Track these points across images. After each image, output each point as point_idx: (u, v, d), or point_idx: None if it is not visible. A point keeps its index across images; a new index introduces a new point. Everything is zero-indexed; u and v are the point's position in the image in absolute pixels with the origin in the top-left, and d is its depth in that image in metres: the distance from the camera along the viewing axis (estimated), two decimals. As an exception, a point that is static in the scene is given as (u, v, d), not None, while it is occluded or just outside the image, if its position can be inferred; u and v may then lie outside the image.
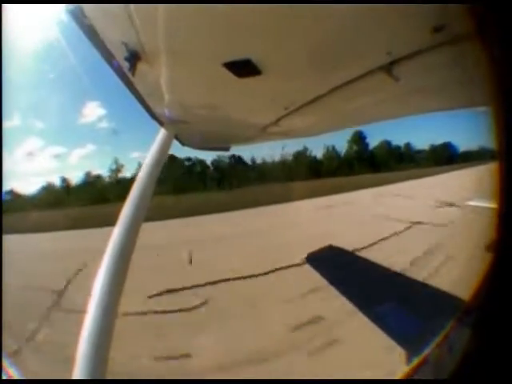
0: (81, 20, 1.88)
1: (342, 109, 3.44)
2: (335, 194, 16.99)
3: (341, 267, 7.51)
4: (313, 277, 7.00)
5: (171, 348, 5.15)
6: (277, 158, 21.88)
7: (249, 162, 22.75)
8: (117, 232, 2.55)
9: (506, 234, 1.39)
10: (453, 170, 16.45)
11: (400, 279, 6.27)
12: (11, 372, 2.64)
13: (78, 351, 1.94)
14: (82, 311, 2.16)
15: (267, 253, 8.84)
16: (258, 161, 22.52)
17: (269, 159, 22.09)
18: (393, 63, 2.28)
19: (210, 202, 18.93)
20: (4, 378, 2.52)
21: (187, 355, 4.95)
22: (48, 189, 20.64)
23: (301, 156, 22.35)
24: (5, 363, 2.70)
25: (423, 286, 5.58)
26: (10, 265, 6.04)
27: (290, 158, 22.22)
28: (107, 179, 21.98)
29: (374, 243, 8.95)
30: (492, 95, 1.38)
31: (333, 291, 6.15)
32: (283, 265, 7.91)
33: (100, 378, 1.88)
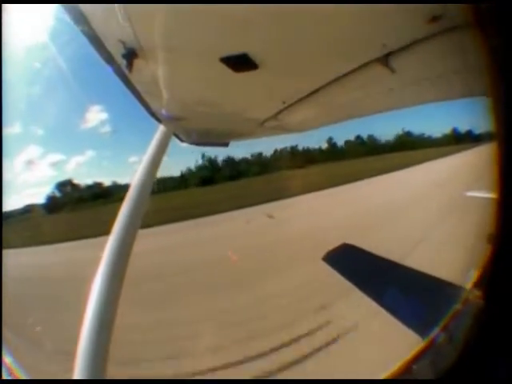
0: (78, 19, 1.88)
1: (340, 102, 3.43)
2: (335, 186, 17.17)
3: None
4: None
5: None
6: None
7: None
8: (116, 230, 2.54)
9: (505, 224, 1.39)
10: (450, 159, 16.46)
11: (400, 268, 6.28)
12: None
13: (78, 351, 1.95)
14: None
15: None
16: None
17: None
18: (389, 55, 2.28)
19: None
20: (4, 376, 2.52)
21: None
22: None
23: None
24: (9, 362, 2.68)
25: (423, 275, 5.60)
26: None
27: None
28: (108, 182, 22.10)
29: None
30: (489, 85, 1.37)
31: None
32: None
33: (100, 378, 1.90)
